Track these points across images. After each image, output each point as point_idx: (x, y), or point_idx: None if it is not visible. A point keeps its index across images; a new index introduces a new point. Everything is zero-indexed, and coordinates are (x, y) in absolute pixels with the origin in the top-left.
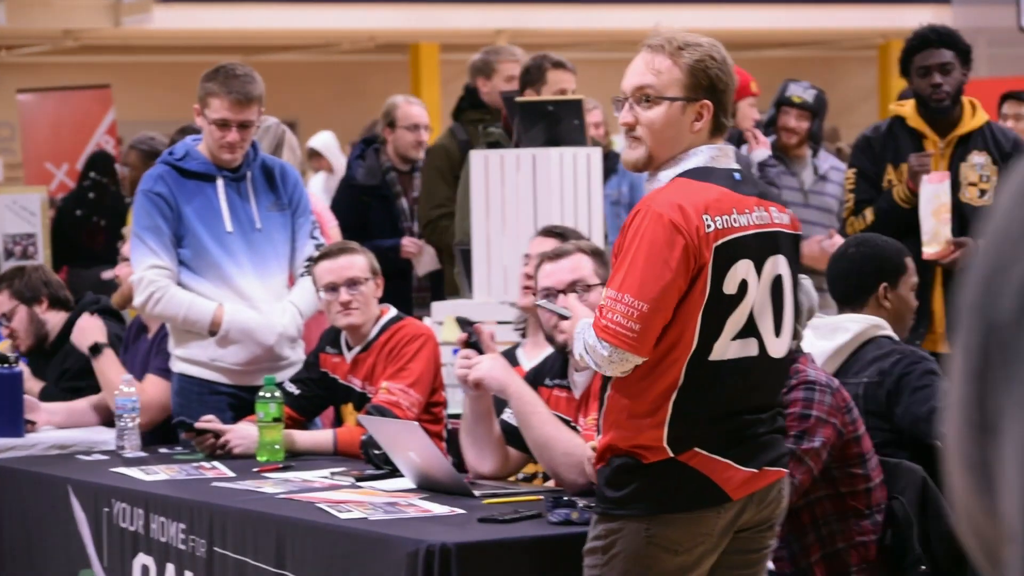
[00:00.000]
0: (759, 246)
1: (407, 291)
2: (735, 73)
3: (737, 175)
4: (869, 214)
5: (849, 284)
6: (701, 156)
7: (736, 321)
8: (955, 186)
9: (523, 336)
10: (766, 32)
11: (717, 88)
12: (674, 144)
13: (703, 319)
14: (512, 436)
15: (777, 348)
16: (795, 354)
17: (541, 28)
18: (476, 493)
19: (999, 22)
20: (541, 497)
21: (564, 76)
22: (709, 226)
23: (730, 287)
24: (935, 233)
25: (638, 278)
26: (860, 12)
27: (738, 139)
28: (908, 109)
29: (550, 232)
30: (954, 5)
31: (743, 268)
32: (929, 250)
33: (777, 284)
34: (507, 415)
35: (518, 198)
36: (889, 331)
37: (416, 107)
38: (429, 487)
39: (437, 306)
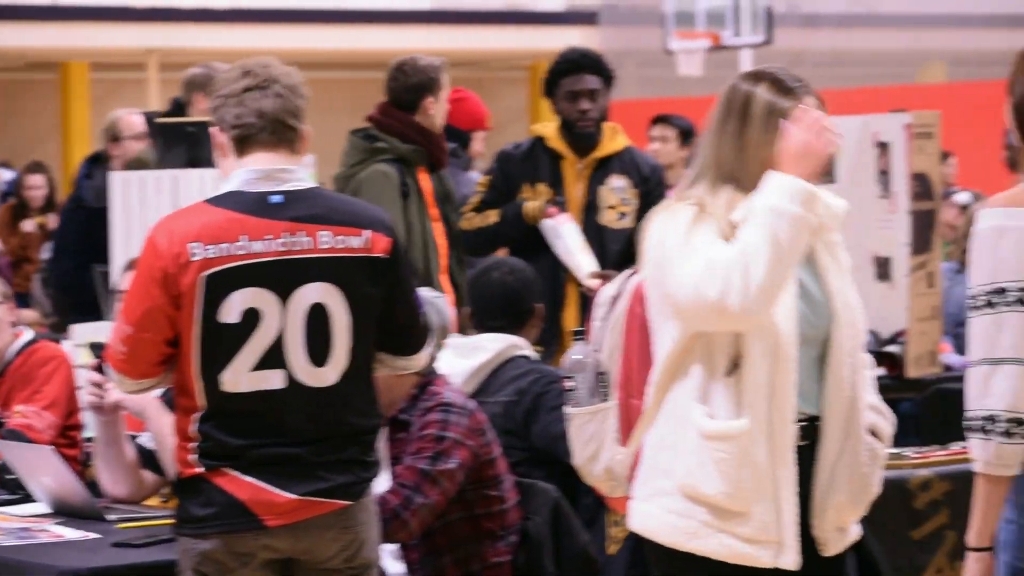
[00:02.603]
0: (281, 274)
1: None
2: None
3: (276, 198)
4: (493, 216)
5: (513, 310)
6: (234, 180)
7: (252, 352)
8: (594, 209)
9: None
10: (416, 52)
11: None
12: (223, 166)
13: (203, 348)
14: (149, 460)
15: (320, 377)
16: (430, 375)
17: (193, 47)
18: (111, 517)
19: (646, 44)
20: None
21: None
22: (195, 254)
23: (229, 316)
24: (591, 264)
25: (128, 301)
26: (510, 33)
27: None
28: (549, 130)
29: None
30: (602, 27)
31: (250, 297)
32: (595, 282)
33: (317, 313)
34: (143, 439)
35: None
36: (528, 351)
37: (139, 116)
38: (64, 512)
39: (78, 329)
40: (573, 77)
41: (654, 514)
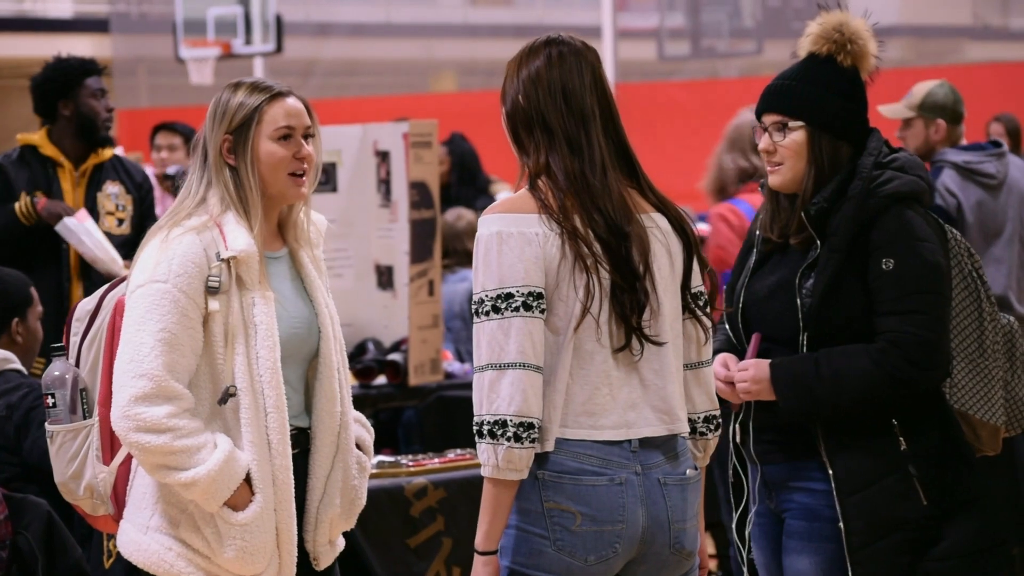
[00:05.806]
0: None
1: None
2: None
3: None
4: None
5: None
6: None
7: None
8: (95, 216)
9: None
10: None
11: None
12: None
13: None
14: None
15: None
16: None
17: None
18: None
19: (157, 52)
20: None
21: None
22: None
23: None
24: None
25: None
26: (19, 40)
27: None
28: (39, 138)
29: None
30: (113, 34)
31: None
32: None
33: None
34: None
35: None
36: (18, 364)
37: None
38: None
39: None
40: (97, 77)
41: (142, 541)
